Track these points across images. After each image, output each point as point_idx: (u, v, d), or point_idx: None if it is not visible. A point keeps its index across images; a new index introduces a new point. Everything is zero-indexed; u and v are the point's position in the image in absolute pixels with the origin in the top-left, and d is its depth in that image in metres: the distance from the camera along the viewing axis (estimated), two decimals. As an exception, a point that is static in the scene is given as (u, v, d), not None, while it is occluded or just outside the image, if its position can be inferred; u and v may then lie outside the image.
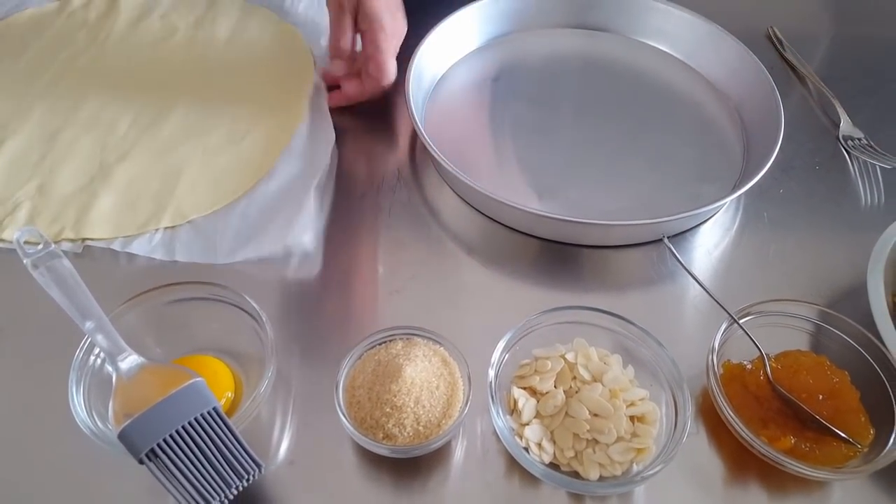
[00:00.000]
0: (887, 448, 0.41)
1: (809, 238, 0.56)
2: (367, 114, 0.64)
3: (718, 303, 0.46)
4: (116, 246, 0.52)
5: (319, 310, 0.50)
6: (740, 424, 0.41)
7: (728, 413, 0.42)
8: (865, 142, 0.62)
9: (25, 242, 0.43)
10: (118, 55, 0.67)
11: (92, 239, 0.53)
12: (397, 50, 0.59)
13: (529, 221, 0.54)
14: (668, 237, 0.53)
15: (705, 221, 0.57)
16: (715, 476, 0.43)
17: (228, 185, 0.56)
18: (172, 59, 0.66)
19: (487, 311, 0.51)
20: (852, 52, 0.74)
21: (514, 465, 0.42)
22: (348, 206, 0.57)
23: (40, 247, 0.43)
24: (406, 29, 0.61)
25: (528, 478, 0.42)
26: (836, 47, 0.75)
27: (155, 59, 0.66)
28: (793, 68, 0.71)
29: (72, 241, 0.52)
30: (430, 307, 0.51)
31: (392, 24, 0.58)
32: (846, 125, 0.64)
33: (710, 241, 0.56)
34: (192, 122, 0.61)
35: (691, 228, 0.56)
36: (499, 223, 0.56)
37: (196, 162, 0.57)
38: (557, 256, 0.54)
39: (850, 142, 0.62)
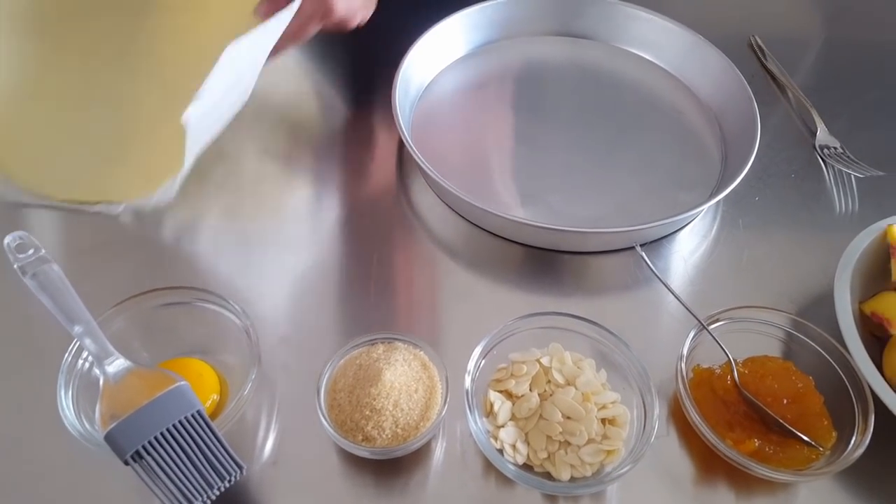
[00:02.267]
0: (847, 450, 0.43)
1: (784, 245, 0.58)
2: (354, 119, 0.65)
3: (688, 309, 0.48)
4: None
5: (304, 314, 0.51)
6: (706, 428, 0.43)
7: (694, 417, 0.43)
8: (841, 150, 0.64)
9: (16, 247, 0.44)
10: None
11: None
12: None
13: (510, 228, 0.55)
14: (645, 244, 0.55)
15: (682, 228, 0.58)
16: (685, 477, 0.45)
17: None
18: None
19: (470, 315, 0.52)
20: (832, 61, 0.75)
21: (491, 466, 0.44)
22: (334, 211, 0.58)
23: (31, 252, 0.44)
24: None
25: (504, 478, 0.43)
26: (817, 56, 0.76)
27: None
28: (773, 77, 0.72)
29: None
30: (413, 311, 0.52)
31: None
32: (823, 134, 0.65)
33: (687, 247, 0.57)
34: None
35: (668, 235, 0.57)
36: (482, 229, 0.57)
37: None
38: (539, 262, 0.56)
39: (825, 150, 0.64)
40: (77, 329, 0.42)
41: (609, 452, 0.42)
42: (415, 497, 0.43)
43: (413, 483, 0.44)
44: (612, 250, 0.56)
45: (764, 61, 0.73)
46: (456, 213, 0.58)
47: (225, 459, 0.39)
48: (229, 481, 0.39)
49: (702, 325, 0.47)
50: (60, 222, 0.56)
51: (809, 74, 0.73)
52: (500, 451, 0.43)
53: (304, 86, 0.67)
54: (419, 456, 0.45)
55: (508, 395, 0.45)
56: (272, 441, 0.45)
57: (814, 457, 0.43)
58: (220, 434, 0.39)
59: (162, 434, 0.38)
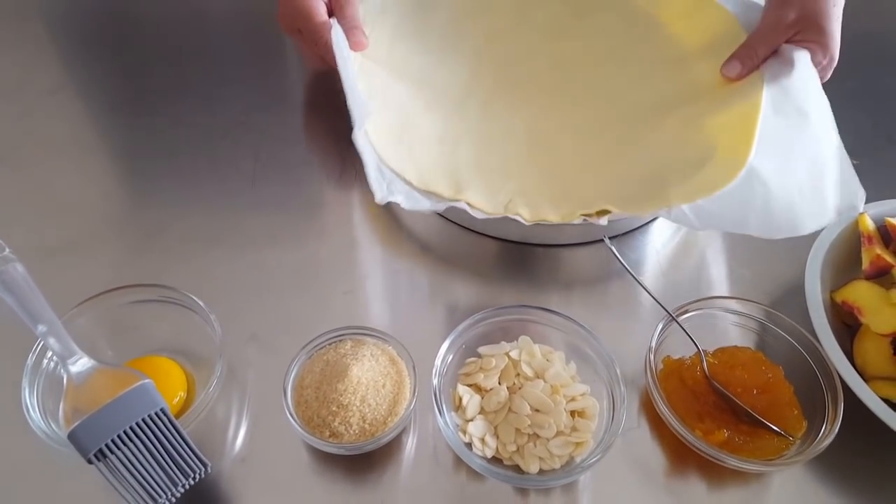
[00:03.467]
0: (817, 439, 0.43)
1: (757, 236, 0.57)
2: (324, 112, 0.64)
3: (656, 300, 0.48)
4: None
5: (273, 311, 0.51)
6: (675, 419, 0.43)
7: (663, 408, 0.43)
8: (815, 140, 0.63)
9: None
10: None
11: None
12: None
13: (480, 221, 0.55)
14: (616, 236, 0.55)
15: (655, 220, 0.58)
16: (657, 468, 0.45)
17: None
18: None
19: (441, 309, 0.52)
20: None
21: (462, 460, 0.44)
22: (303, 204, 0.57)
23: (-6, 251, 0.43)
24: None
25: (475, 471, 0.43)
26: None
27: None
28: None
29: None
30: (382, 306, 0.52)
31: None
32: (798, 123, 0.65)
33: (659, 239, 0.57)
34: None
35: (641, 227, 0.57)
36: (453, 222, 0.57)
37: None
38: (511, 256, 0.56)
39: (800, 140, 0.64)
40: (41, 328, 0.41)
41: (578, 444, 0.42)
42: (386, 492, 0.43)
43: (384, 478, 0.44)
44: (585, 242, 0.56)
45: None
46: None
47: (189, 457, 0.39)
48: (194, 479, 0.39)
49: (671, 316, 0.47)
50: (24, 221, 0.56)
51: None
52: (469, 444, 0.43)
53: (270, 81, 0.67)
54: (390, 451, 0.44)
55: (477, 388, 0.45)
56: (241, 438, 0.45)
57: (784, 446, 0.43)
58: (184, 432, 0.39)
59: (125, 432, 0.38)
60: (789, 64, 0.55)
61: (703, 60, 0.61)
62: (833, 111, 0.67)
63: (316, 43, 0.58)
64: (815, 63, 0.56)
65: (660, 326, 0.46)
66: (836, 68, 0.72)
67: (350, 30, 0.59)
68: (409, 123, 0.57)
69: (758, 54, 0.57)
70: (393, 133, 0.55)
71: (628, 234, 0.57)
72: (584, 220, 0.51)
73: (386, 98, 0.58)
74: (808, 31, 0.56)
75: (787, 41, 0.57)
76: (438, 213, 0.57)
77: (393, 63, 0.61)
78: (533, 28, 0.67)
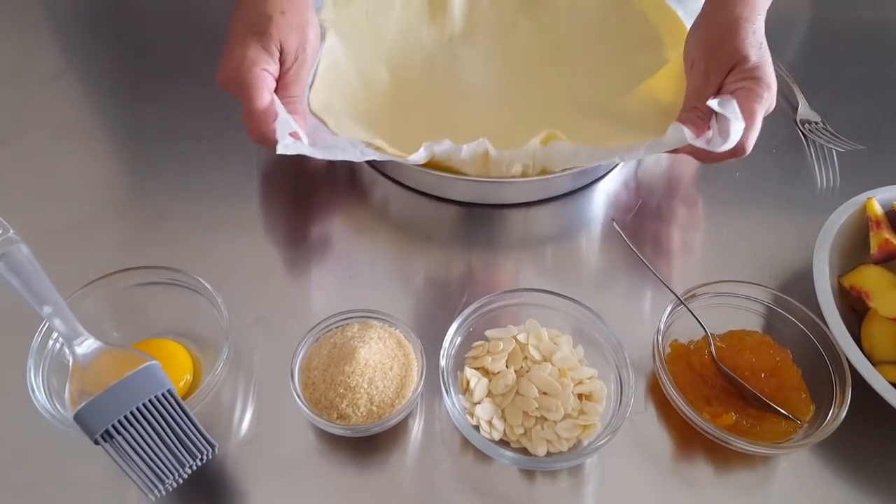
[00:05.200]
0: (825, 423, 0.42)
1: (764, 220, 0.57)
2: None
3: (665, 283, 0.47)
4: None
5: (279, 293, 0.51)
6: (682, 402, 0.43)
7: (671, 391, 0.43)
8: (822, 125, 0.63)
9: None
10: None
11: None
12: None
13: (486, 191, 0.55)
14: (622, 218, 0.55)
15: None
16: (664, 451, 0.45)
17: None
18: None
19: (448, 292, 0.52)
20: (813, 37, 0.75)
21: (468, 443, 0.43)
22: (308, 191, 0.57)
23: (-1, 232, 0.43)
24: None
25: (481, 454, 0.43)
26: (797, 31, 0.76)
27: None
28: (756, 52, 0.71)
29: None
30: (389, 291, 0.52)
31: None
32: (804, 109, 0.65)
33: (668, 223, 0.57)
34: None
35: (649, 210, 0.57)
36: (459, 203, 0.56)
37: None
38: (520, 244, 0.55)
39: (807, 125, 0.63)
40: (46, 310, 0.41)
41: (585, 427, 0.42)
42: (392, 474, 0.43)
43: (391, 460, 0.44)
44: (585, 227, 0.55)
45: (747, 37, 0.72)
46: (425, 195, 0.57)
47: (196, 438, 0.39)
48: (201, 460, 0.38)
49: (679, 299, 0.46)
50: (28, 205, 0.56)
51: (791, 49, 0.72)
52: (476, 427, 0.43)
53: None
54: (397, 433, 0.44)
55: (485, 371, 0.45)
56: (248, 421, 0.45)
57: (791, 430, 0.43)
58: (191, 413, 0.39)
59: (132, 413, 0.38)
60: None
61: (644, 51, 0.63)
62: (840, 96, 0.67)
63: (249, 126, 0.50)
64: (755, 98, 0.50)
65: (668, 310, 0.46)
66: (843, 54, 0.72)
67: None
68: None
69: (703, 112, 0.52)
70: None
71: (636, 217, 0.56)
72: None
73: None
74: (735, 73, 0.52)
75: (719, 92, 0.52)
76: (446, 198, 0.57)
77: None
78: (485, 25, 0.67)
